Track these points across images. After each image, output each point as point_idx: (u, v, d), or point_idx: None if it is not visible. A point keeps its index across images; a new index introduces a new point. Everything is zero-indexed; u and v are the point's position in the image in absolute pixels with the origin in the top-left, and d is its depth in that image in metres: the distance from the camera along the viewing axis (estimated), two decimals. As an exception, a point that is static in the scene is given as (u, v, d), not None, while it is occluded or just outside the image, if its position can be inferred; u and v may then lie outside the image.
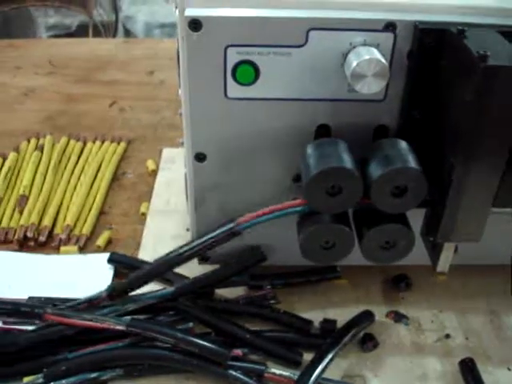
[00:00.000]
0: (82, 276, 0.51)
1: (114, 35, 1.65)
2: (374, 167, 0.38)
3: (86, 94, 0.77)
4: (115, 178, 0.63)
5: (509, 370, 0.45)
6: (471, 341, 0.47)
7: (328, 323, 0.46)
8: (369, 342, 0.45)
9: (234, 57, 0.39)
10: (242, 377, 0.42)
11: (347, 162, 0.38)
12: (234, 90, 0.40)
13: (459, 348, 0.46)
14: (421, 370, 0.45)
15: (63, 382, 0.42)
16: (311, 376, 0.41)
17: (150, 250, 0.54)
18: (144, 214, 0.57)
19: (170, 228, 0.55)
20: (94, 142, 0.66)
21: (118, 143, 0.67)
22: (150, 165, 0.64)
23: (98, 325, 0.43)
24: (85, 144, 0.66)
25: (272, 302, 0.48)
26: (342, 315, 0.47)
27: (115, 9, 1.62)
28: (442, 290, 0.51)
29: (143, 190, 0.61)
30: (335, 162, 0.38)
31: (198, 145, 0.43)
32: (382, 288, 0.51)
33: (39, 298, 0.48)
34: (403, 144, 0.39)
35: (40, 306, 0.45)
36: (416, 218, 0.42)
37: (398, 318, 0.48)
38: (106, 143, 0.66)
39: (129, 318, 0.44)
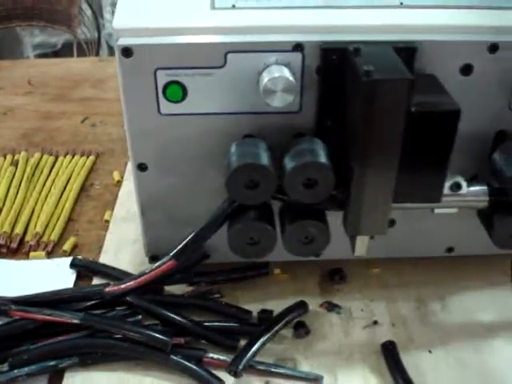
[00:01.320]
0: (48, 278, 0.58)
1: (98, 52, 1.73)
2: (288, 161, 0.44)
3: (61, 112, 0.84)
4: (84, 188, 0.69)
5: (430, 352, 0.51)
6: (397, 326, 0.53)
7: (265, 313, 0.53)
8: (301, 329, 0.52)
9: (163, 78, 0.45)
10: (182, 361, 0.48)
11: (263, 158, 0.44)
12: (166, 107, 0.47)
13: (385, 333, 0.52)
14: (347, 353, 0.51)
15: (25, 369, 0.48)
16: (243, 358, 0.47)
17: (111, 253, 0.60)
18: (107, 221, 0.64)
19: (131, 234, 0.62)
20: (65, 157, 0.73)
21: (88, 157, 0.74)
22: (116, 176, 0.70)
23: (57, 319, 0.50)
24: (57, 158, 0.73)
25: (216, 295, 0.55)
26: (280, 306, 0.53)
27: (98, 27, 1.70)
28: (375, 282, 0.57)
29: (108, 199, 0.68)
30: (252, 158, 0.44)
31: (139, 156, 0.49)
32: (318, 281, 0.57)
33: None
34: (316, 141, 0.46)
35: (5, 304, 0.51)
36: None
37: (331, 307, 0.54)
38: (76, 157, 0.73)
39: (82, 313, 0.51)
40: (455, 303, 0.55)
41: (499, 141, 0.49)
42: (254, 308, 0.54)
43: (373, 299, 0.56)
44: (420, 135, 0.42)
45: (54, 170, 0.71)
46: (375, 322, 0.53)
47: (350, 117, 0.44)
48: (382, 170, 0.42)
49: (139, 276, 0.50)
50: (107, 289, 0.51)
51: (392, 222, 0.53)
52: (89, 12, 1.68)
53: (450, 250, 0.57)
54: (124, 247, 0.61)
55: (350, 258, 0.53)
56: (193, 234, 0.48)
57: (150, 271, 0.49)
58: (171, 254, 0.48)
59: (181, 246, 0.48)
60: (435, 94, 0.43)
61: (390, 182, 0.43)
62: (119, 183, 0.70)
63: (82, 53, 1.67)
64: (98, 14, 1.86)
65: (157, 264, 0.49)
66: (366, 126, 0.41)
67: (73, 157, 0.74)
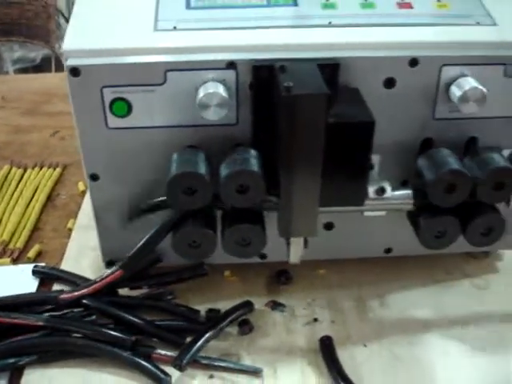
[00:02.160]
0: (12, 283, 0.63)
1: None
2: (223, 169, 0.49)
3: (32, 125, 0.90)
4: (51, 198, 0.75)
5: (365, 346, 0.56)
6: (336, 323, 0.58)
7: (212, 312, 0.57)
8: (245, 327, 0.56)
9: (109, 95, 0.50)
10: (132, 357, 0.53)
11: (201, 167, 0.49)
12: (113, 121, 0.52)
13: (324, 329, 0.57)
14: (287, 348, 0.55)
15: (-13, 366, 0.53)
16: (187, 354, 0.52)
17: (72, 259, 0.65)
18: (70, 230, 0.69)
19: (91, 241, 0.66)
20: (33, 169, 0.79)
21: (55, 168, 0.79)
22: (81, 186, 0.76)
23: (23, 322, 0.55)
24: (25, 170, 0.79)
25: (169, 297, 0.59)
26: (229, 306, 0.58)
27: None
28: (318, 282, 0.62)
29: (73, 208, 0.73)
30: (190, 167, 0.49)
31: (91, 166, 0.54)
32: (266, 282, 0.62)
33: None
34: (250, 151, 0.51)
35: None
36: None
37: (275, 306, 0.59)
38: (44, 169, 0.79)
39: (46, 315, 0.56)
40: (393, 301, 0.60)
41: (425, 148, 0.54)
42: (205, 308, 0.58)
43: (315, 298, 0.60)
44: (339, 144, 0.47)
45: (22, 182, 0.76)
46: (315, 320, 0.58)
47: (277, 129, 0.49)
48: (306, 177, 0.47)
49: (90, 285, 0.55)
50: (61, 296, 0.56)
51: (330, 226, 0.59)
52: (66, 27, 1.73)
53: (389, 250, 0.62)
54: (84, 254, 0.65)
55: (296, 260, 0.59)
56: (140, 244, 0.53)
57: (101, 280, 0.55)
58: (119, 265, 0.54)
59: (129, 255, 0.54)
60: (354, 107, 0.48)
61: (315, 188, 0.48)
62: (84, 193, 0.75)
63: (60, 67, 1.73)
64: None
65: (107, 273, 0.55)
66: (289, 137, 0.46)
67: (40, 169, 0.79)
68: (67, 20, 1.79)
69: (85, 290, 0.55)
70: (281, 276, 0.62)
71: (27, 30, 1.66)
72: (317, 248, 0.59)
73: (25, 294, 0.59)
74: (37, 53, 2.06)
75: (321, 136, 0.46)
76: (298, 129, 0.45)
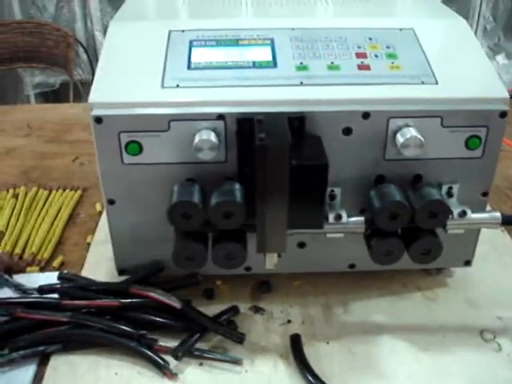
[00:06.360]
0: (40, 288, 0.81)
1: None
2: (212, 199, 0.67)
3: (55, 152, 1.09)
4: (72, 217, 0.93)
5: (327, 343, 0.73)
6: (306, 324, 0.75)
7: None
8: (231, 326, 0.74)
9: (125, 138, 0.69)
10: (138, 347, 0.70)
11: (195, 197, 0.67)
12: (128, 158, 0.70)
13: (295, 329, 0.74)
14: (265, 343, 0.73)
15: (21, 352, 0.71)
16: (183, 346, 0.70)
17: (90, 268, 0.83)
18: (89, 244, 0.87)
19: (107, 253, 0.84)
20: (57, 190, 0.98)
21: (76, 191, 0.98)
22: (98, 207, 0.94)
23: (51, 318, 0.73)
24: (50, 192, 0.97)
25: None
26: (219, 309, 0.76)
27: (92, 69, 1.98)
28: (294, 291, 0.80)
29: (91, 226, 0.91)
30: (186, 197, 0.67)
31: (109, 193, 0.72)
32: (250, 290, 0.80)
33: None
34: (234, 184, 0.68)
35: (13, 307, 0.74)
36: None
37: (257, 310, 0.77)
38: (67, 191, 0.98)
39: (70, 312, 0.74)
40: (355, 308, 0.78)
41: (378, 183, 0.72)
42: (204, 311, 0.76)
43: (291, 305, 0.78)
44: (301, 181, 0.64)
45: (48, 202, 0.95)
46: (289, 321, 0.76)
47: (255, 167, 0.66)
48: (275, 206, 0.65)
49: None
50: (64, 302, 0.75)
51: (303, 245, 0.76)
52: (84, 56, 1.95)
53: (352, 266, 0.79)
54: (101, 264, 0.84)
55: (277, 273, 0.77)
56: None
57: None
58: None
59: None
60: (315, 151, 0.66)
61: (283, 215, 0.65)
62: (100, 213, 0.93)
63: (77, 92, 1.95)
64: (92, 58, 2.17)
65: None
66: (262, 174, 0.63)
67: (64, 191, 0.98)
68: (85, 49, 2.01)
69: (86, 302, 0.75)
70: (262, 285, 0.79)
71: (48, 58, 1.88)
72: (292, 263, 0.77)
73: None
74: (56, 78, 2.30)
75: (285, 174, 0.63)
76: (269, 168, 0.63)
